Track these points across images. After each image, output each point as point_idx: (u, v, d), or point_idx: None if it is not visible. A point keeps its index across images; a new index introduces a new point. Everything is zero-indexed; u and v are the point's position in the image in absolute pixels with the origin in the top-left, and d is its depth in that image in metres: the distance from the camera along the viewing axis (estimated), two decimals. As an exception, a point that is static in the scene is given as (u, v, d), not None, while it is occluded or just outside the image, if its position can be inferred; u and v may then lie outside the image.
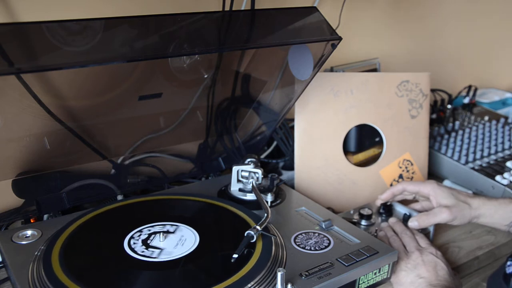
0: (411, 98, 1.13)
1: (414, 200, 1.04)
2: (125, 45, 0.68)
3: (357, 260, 0.75)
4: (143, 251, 0.74)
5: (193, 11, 0.76)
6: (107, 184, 0.96)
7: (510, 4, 1.78)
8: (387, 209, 0.99)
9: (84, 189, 0.93)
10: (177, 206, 0.90)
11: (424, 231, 0.96)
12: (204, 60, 0.95)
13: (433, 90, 1.49)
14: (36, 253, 0.74)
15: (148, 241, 0.77)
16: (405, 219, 0.97)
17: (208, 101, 1.03)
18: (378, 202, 1.01)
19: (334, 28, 0.83)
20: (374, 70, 1.40)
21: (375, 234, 0.92)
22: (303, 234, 0.82)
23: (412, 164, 1.14)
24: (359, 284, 0.76)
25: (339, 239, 0.81)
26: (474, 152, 1.24)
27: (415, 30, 1.57)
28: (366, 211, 0.96)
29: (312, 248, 0.78)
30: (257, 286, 0.68)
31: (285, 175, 1.14)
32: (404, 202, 1.04)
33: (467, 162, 1.20)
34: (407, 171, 1.14)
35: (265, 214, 0.81)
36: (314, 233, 0.83)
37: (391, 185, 1.11)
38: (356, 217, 0.97)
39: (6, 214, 0.86)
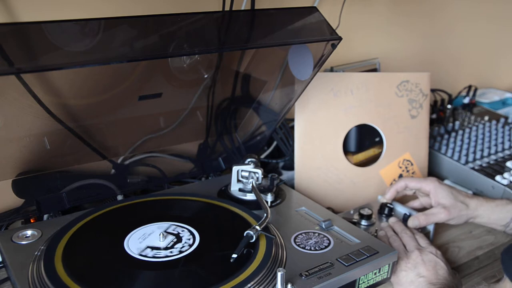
0: (411, 98, 1.13)
1: (414, 196, 1.05)
2: (125, 45, 0.68)
3: (357, 260, 0.75)
4: (143, 251, 0.74)
5: (193, 11, 0.76)
6: (107, 184, 0.96)
7: (510, 5, 1.78)
8: (387, 209, 0.99)
9: (84, 189, 0.93)
10: (177, 206, 0.90)
11: (424, 231, 0.96)
12: (204, 60, 0.95)
13: (433, 90, 1.49)
14: (36, 253, 0.74)
15: (148, 241, 0.77)
16: (405, 219, 0.97)
17: (208, 101, 1.03)
18: (382, 200, 1.01)
19: (334, 28, 0.83)
20: (374, 70, 1.40)
21: (375, 234, 0.92)
22: (303, 234, 0.82)
23: (412, 164, 1.14)
24: (359, 284, 0.76)
25: (339, 239, 0.81)
26: (474, 152, 1.24)
27: (415, 30, 1.57)
28: (366, 211, 0.96)
29: (312, 248, 0.78)
30: (257, 286, 0.68)
31: (285, 175, 1.14)
32: (404, 198, 1.04)
33: (467, 162, 1.20)
34: (407, 171, 1.14)
35: (265, 214, 0.81)
36: (314, 233, 0.83)
37: (390, 184, 1.11)
38: (356, 217, 0.97)
39: (6, 214, 0.86)
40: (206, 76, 0.98)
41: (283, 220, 0.87)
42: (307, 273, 0.71)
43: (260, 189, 0.93)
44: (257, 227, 0.76)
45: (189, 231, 0.80)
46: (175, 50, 0.71)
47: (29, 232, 0.80)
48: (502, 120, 1.40)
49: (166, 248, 0.75)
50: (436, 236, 1.00)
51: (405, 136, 1.13)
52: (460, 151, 1.24)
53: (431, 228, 0.97)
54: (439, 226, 0.99)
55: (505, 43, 1.84)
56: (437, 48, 1.65)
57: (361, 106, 1.09)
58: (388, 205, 0.99)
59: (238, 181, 0.96)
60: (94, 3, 1.01)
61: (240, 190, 0.96)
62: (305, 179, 1.07)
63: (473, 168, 1.18)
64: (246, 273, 0.69)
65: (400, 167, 1.13)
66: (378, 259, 0.76)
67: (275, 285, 0.68)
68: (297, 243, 0.79)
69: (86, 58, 0.65)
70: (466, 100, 1.50)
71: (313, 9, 0.84)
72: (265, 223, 0.78)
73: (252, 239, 0.75)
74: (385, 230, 0.93)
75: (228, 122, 1.10)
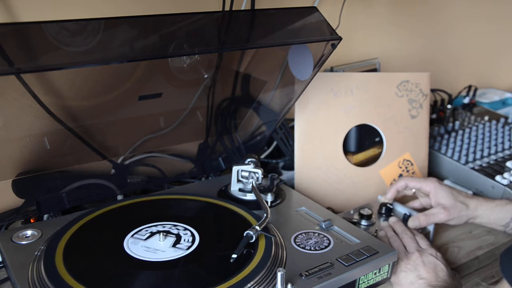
0: (411, 98, 1.13)
1: (414, 197, 1.05)
2: (125, 45, 0.68)
3: (357, 260, 0.75)
4: (143, 251, 0.74)
5: (193, 11, 0.76)
6: (107, 184, 0.96)
7: (510, 5, 1.78)
8: (387, 209, 0.99)
9: (84, 189, 0.93)
10: (177, 206, 0.90)
11: (424, 231, 0.96)
12: (204, 60, 0.95)
13: (433, 90, 1.49)
14: (36, 253, 0.74)
15: (148, 241, 0.77)
16: (405, 219, 0.97)
17: (208, 101, 1.03)
18: (383, 200, 1.01)
19: (334, 28, 0.83)
20: (374, 70, 1.40)
21: (375, 234, 0.92)
22: (303, 234, 0.82)
23: (412, 164, 1.14)
24: (359, 284, 0.76)
25: (339, 239, 0.81)
26: (474, 152, 1.24)
27: (415, 30, 1.57)
28: (366, 211, 0.96)
29: (312, 248, 0.78)
30: (257, 286, 0.68)
31: (285, 175, 1.14)
32: (404, 198, 1.04)
33: (467, 162, 1.20)
34: (407, 171, 1.14)
35: (265, 214, 0.81)
36: (314, 233, 0.83)
37: (390, 184, 1.11)
38: (356, 217, 0.97)
39: (6, 214, 0.86)
40: (206, 76, 0.98)
41: (283, 220, 0.87)
42: (307, 273, 0.71)
43: (260, 189, 0.93)
44: (257, 227, 0.76)
45: (189, 231, 0.80)
46: (175, 50, 0.71)
47: (29, 232, 0.80)
48: (502, 120, 1.40)
49: (166, 248, 0.75)
50: (436, 236, 1.00)
51: (405, 136, 1.13)
52: (460, 151, 1.24)
53: (431, 228, 0.97)
54: (439, 226, 0.99)
55: (505, 43, 1.84)
56: (437, 48, 1.65)
57: (361, 106, 1.09)
58: (388, 205, 0.99)
59: (238, 181, 0.96)
60: (94, 3, 1.01)
61: (240, 190, 0.96)
62: (305, 179, 1.07)
63: (473, 168, 1.18)
64: (246, 273, 0.69)
65: (400, 167, 1.13)
66: (378, 259, 0.76)
67: (275, 285, 0.67)
68: (297, 243, 0.79)
69: (86, 58, 0.65)
70: (466, 100, 1.50)
71: (313, 9, 0.84)
72: (265, 223, 0.78)
73: (252, 239, 0.75)
74: (385, 230, 0.93)
75: (228, 122, 1.10)
